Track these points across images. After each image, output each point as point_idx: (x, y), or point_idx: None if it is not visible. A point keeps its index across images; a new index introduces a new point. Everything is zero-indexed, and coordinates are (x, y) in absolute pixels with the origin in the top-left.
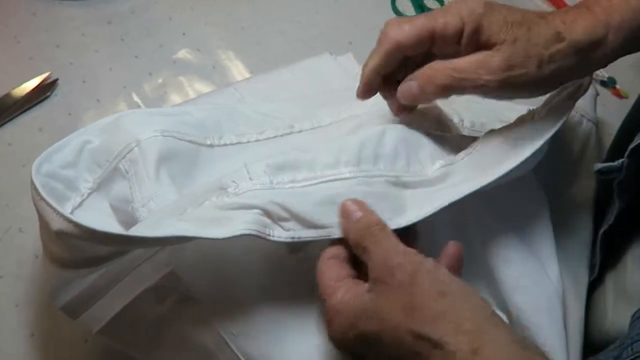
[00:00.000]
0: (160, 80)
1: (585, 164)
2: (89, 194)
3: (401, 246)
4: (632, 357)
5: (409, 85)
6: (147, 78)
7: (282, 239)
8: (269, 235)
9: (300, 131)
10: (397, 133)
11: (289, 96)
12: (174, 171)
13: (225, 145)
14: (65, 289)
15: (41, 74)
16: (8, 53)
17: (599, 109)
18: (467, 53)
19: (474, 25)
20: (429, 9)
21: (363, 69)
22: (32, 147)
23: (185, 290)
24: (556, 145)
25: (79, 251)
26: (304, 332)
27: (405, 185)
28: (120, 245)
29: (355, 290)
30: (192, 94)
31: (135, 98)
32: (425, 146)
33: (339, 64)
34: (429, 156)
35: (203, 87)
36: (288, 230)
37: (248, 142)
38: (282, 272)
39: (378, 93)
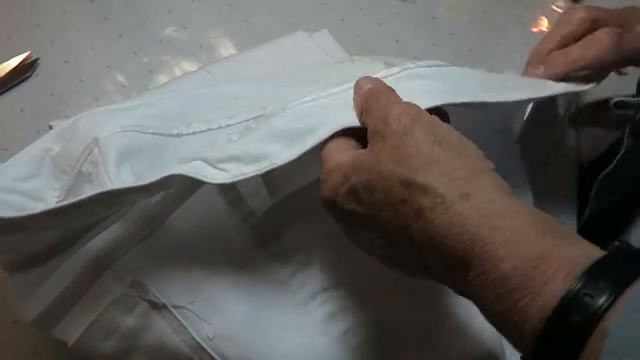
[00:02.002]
0: (145, 60)
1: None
2: (58, 202)
3: (403, 101)
4: None
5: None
6: (132, 57)
7: (224, 180)
8: (206, 177)
9: (273, 114)
10: None
11: (262, 76)
12: (139, 166)
13: (194, 133)
14: (30, 302)
15: (20, 53)
16: None
17: None
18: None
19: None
20: None
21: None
22: (13, 129)
23: (153, 297)
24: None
25: (14, 249)
26: (285, 329)
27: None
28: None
29: (350, 152)
30: (178, 73)
31: (120, 78)
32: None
33: (314, 41)
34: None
35: (190, 66)
36: (228, 171)
37: (219, 127)
38: (255, 269)
39: (356, 63)
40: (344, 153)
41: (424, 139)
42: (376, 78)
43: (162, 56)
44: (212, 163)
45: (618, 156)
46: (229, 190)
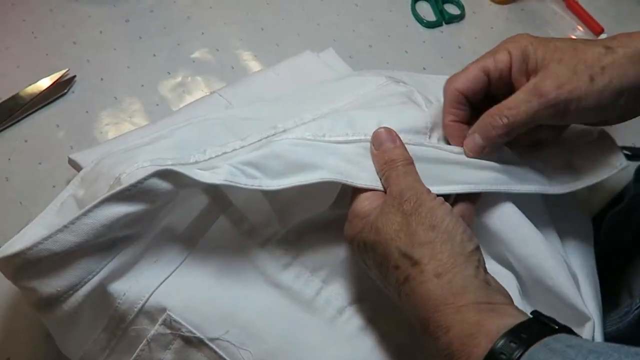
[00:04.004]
0: (178, 80)
1: None
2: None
3: (418, 183)
4: None
5: (473, 139)
6: (165, 77)
7: (213, 180)
8: (196, 174)
9: (284, 130)
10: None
11: (274, 96)
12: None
13: (210, 158)
14: (69, 343)
15: (58, 70)
16: (25, 48)
17: None
18: (520, 85)
19: (520, 54)
20: (449, 14)
21: (443, 122)
22: (49, 144)
23: (187, 333)
24: None
25: (30, 289)
26: (321, 346)
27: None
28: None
29: (375, 203)
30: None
31: (153, 97)
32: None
33: (321, 59)
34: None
35: (221, 87)
36: (220, 174)
37: (233, 150)
38: (281, 291)
39: (360, 77)
40: (371, 201)
41: (424, 222)
42: (397, 137)
43: (194, 76)
44: (206, 168)
45: (626, 199)
46: (240, 221)
